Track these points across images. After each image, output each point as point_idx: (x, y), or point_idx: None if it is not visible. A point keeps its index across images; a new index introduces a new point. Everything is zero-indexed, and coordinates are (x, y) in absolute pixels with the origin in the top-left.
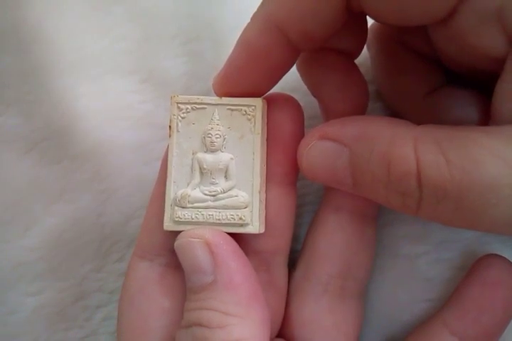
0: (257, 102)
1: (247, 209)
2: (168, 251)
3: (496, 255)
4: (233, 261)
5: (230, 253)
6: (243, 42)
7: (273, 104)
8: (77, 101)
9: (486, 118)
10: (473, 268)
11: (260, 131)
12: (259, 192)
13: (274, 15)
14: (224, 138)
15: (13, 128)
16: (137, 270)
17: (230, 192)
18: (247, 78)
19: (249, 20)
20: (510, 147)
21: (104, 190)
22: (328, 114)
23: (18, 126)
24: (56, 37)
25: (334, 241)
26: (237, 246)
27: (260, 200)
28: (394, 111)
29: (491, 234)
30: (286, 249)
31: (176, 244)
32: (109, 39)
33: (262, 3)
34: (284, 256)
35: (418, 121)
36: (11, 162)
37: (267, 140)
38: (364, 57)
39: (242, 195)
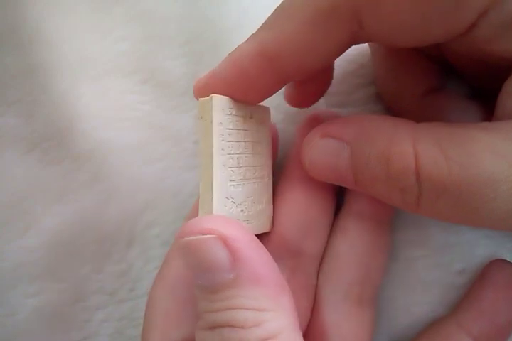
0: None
1: None
2: None
3: (504, 260)
4: (255, 253)
5: (249, 245)
6: (233, 60)
7: None
8: (78, 101)
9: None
10: (484, 272)
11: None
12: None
13: (268, 45)
14: None
15: (13, 128)
16: (177, 259)
17: None
18: (227, 93)
19: (249, 20)
20: (507, 142)
21: (105, 190)
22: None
23: (18, 127)
24: (56, 37)
25: (355, 248)
26: (251, 234)
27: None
28: (394, 114)
29: (490, 237)
30: (321, 254)
31: (182, 242)
32: (109, 40)
33: (262, 27)
34: (318, 261)
35: (416, 121)
36: (12, 162)
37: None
38: (363, 60)
39: None
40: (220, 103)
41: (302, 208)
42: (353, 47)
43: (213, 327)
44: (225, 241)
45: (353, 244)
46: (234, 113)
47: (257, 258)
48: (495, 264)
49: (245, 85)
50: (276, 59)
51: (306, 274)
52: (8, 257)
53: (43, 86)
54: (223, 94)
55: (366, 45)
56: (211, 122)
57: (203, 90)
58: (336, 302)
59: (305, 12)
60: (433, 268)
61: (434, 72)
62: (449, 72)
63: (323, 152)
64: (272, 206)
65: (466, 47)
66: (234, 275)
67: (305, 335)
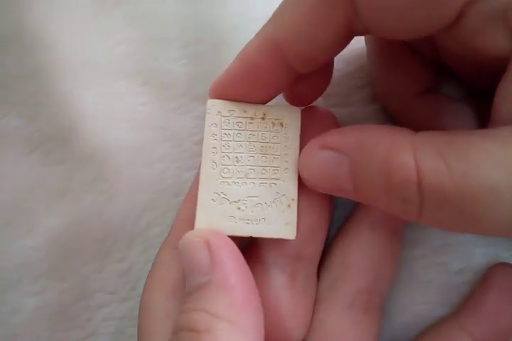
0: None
1: None
2: None
3: (508, 264)
4: (230, 262)
5: (228, 254)
6: (243, 56)
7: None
8: (79, 103)
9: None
10: (487, 275)
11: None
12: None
13: (273, 36)
14: None
15: (16, 129)
16: (176, 262)
17: None
18: (240, 91)
19: (249, 22)
20: (507, 149)
21: (106, 190)
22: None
23: (20, 128)
24: (58, 39)
25: (366, 257)
26: (237, 248)
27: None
28: (389, 114)
29: (488, 237)
30: (319, 256)
31: (179, 242)
32: (110, 42)
33: (267, 22)
34: (316, 265)
35: (409, 122)
36: (14, 163)
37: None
38: (361, 62)
39: None
40: (215, 106)
41: (305, 214)
42: (351, 49)
43: (176, 331)
44: (209, 246)
45: (364, 252)
46: (235, 115)
47: (232, 267)
48: (498, 268)
49: (253, 78)
50: (280, 46)
51: (306, 278)
52: (10, 257)
53: (45, 87)
54: (233, 90)
55: (364, 47)
56: (205, 123)
57: (216, 88)
58: (342, 308)
59: (305, 0)
60: (432, 267)
61: (428, 73)
62: (444, 74)
63: (321, 164)
64: (294, 212)
65: (457, 41)
66: (208, 279)
67: (305, 338)
